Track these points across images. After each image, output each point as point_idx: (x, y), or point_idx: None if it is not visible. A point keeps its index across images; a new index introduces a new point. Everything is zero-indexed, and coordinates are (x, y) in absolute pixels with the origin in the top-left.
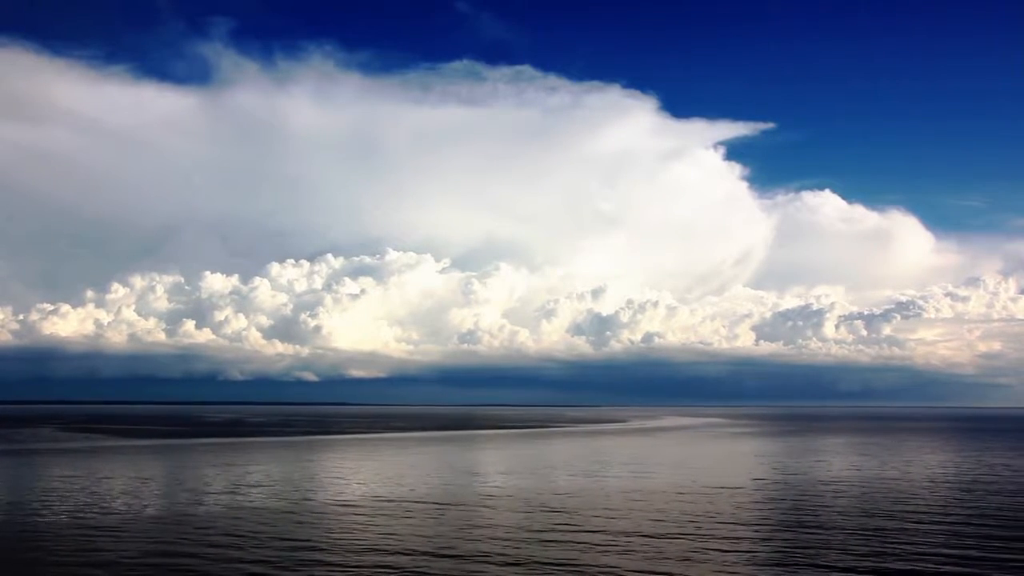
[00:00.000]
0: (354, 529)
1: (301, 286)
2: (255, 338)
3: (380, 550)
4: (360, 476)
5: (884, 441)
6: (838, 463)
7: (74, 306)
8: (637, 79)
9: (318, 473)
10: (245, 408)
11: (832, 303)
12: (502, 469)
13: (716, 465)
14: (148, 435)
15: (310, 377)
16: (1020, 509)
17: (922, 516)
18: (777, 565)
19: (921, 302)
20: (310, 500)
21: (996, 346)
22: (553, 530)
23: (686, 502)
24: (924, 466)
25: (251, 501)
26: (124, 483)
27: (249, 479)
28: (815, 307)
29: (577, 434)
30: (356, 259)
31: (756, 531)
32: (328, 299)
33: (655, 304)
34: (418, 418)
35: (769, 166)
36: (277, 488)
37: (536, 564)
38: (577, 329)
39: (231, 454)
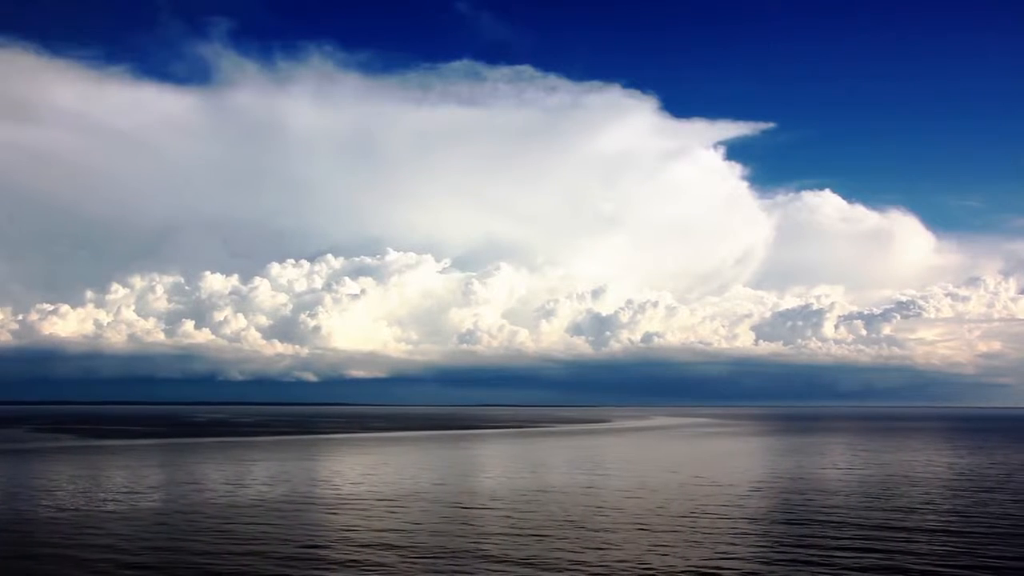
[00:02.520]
0: (237, 527)
1: (301, 286)
2: (254, 338)
3: (250, 544)
4: (290, 475)
5: (852, 441)
6: (785, 463)
7: (74, 306)
8: (637, 79)
9: (250, 472)
10: (239, 409)
11: (832, 303)
12: (435, 469)
13: (657, 465)
14: (118, 435)
15: (309, 377)
16: (930, 504)
17: (821, 515)
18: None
19: (921, 302)
20: (217, 500)
21: (996, 346)
22: (435, 525)
23: (583, 499)
24: (865, 465)
25: (159, 500)
26: (49, 482)
27: (176, 478)
28: (815, 307)
29: (549, 435)
30: (356, 259)
31: (616, 529)
32: (328, 299)
33: (655, 304)
34: (403, 418)
35: (769, 166)
36: (193, 488)
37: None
38: (576, 329)
39: (183, 454)
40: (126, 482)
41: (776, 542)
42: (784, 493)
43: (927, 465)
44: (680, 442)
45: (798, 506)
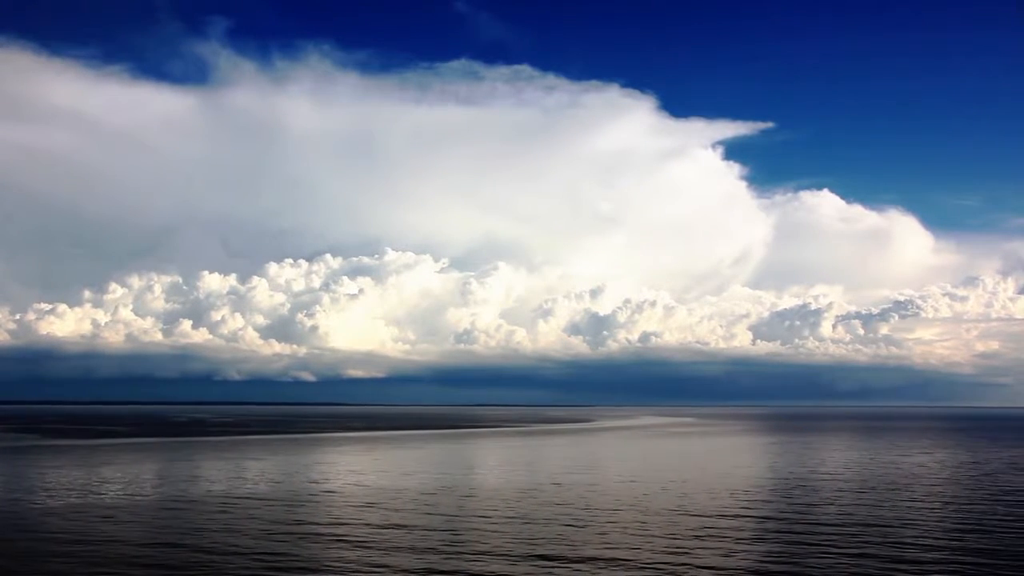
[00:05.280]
0: (103, 526)
1: (299, 286)
2: (252, 338)
3: (123, 542)
4: (209, 474)
5: (814, 440)
6: (725, 462)
7: (71, 306)
8: (636, 78)
9: (180, 471)
10: (229, 409)
11: (830, 303)
12: (364, 468)
13: (589, 463)
14: (86, 435)
15: (307, 377)
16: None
17: (708, 512)
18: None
19: (919, 302)
20: (119, 498)
21: (994, 346)
22: (298, 522)
23: (462, 500)
24: (800, 464)
25: (56, 498)
26: None
27: (97, 477)
28: (813, 307)
29: (521, 435)
30: (355, 259)
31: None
32: (326, 299)
33: (652, 304)
34: (387, 418)
35: (768, 166)
36: (107, 487)
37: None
38: (574, 329)
39: (133, 453)
40: (49, 480)
41: (626, 535)
42: (688, 491)
43: (866, 465)
44: (643, 442)
45: (686, 503)
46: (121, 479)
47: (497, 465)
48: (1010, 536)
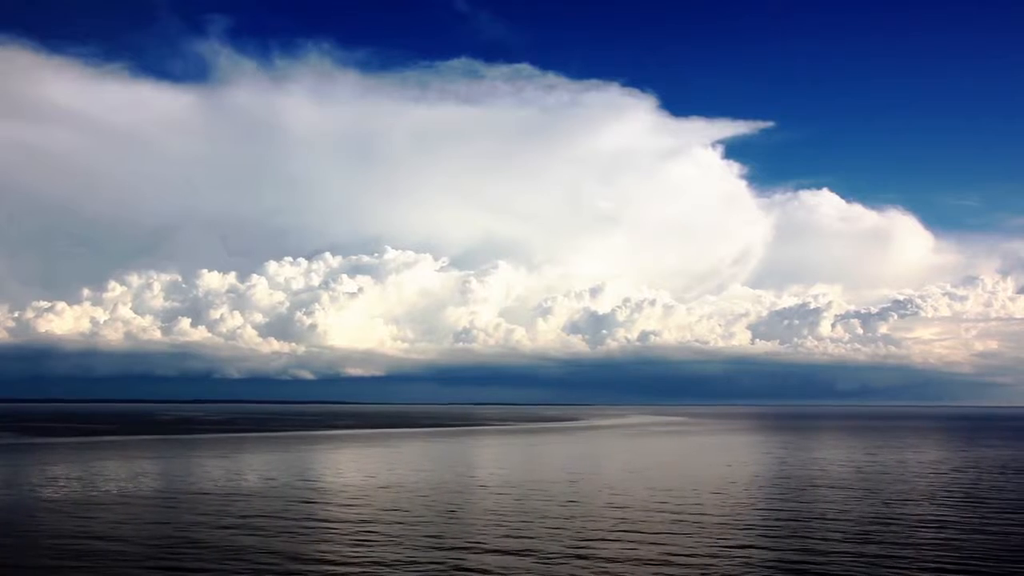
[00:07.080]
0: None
1: (298, 284)
2: (251, 336)
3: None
4: (162, 471)
5: (793, 440)
6: (681, 463)
7: (70, 304)
8: (636, 77)
9: (133, 468)
10: (222, 407)
11: (829, 302)
12: (317, 467)
13: (546, 463)
14: (67, 433)
15: (306, 375)
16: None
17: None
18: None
19: (919, 301)
20: (54, 496)
21: (993, 345)
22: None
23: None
24: (756, 463)
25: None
26: None
27: (47, 475)
28: (812, 306)
29: (498, 433)
30: (354, 258)
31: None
32: (325, 297)
33: (652, 303)
34: (380, 416)
35: (768, 165)
36: (53, 484)
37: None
38: (573, 328)
39: (104, 451)
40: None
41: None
42: (628, 488)
43: (824, 464)
44: (621, 441)
45: (618, 499)
46: (69, 476)
47: (457, 463)
48: (920, 531)
